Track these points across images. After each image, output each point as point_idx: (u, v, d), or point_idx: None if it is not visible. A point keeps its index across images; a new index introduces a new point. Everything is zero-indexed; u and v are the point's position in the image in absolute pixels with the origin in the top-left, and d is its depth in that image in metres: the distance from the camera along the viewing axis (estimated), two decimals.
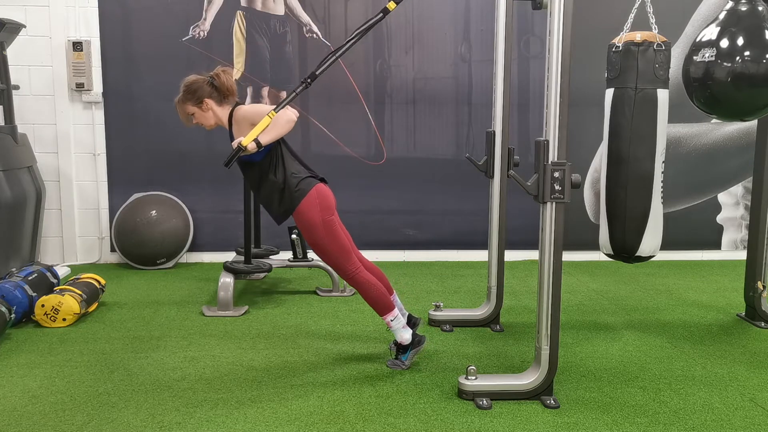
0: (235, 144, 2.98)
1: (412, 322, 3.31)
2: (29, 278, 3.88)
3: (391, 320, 3.14)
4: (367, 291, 3.13)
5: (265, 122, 2.96)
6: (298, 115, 3.07)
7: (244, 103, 3.27)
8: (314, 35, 5.20)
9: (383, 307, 3.13)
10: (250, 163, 3.09)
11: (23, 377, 3.05)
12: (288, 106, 3.00)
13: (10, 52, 4.73)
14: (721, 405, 2.81)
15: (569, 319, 3.93)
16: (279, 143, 3.12)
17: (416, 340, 3.19)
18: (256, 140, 2.95)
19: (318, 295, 4.45)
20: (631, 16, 3.28)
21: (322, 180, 3.18)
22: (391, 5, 3.10)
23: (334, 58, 3.04)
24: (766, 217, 3.83)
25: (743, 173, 5.48)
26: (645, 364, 3.25)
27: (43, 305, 3.70)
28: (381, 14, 3.12)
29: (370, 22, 3.11)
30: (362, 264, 3.21)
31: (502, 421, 2.64)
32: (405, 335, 3.16)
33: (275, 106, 2.97)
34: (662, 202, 3.34)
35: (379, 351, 3.38)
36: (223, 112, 3.18)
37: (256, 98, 5.22)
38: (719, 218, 5.60)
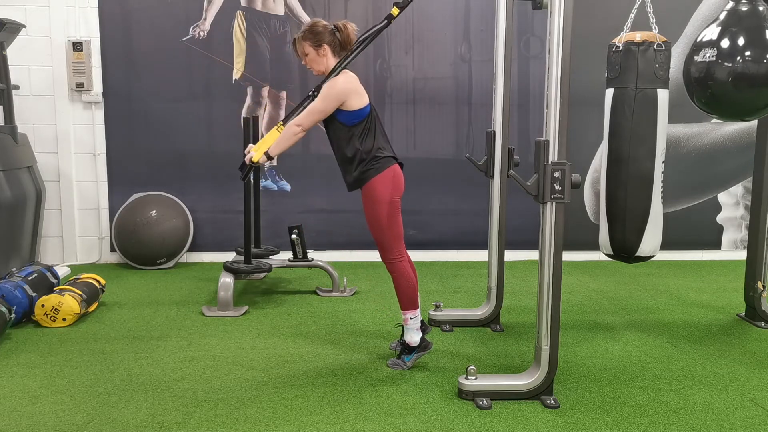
0: (247, 159, 3.19)
1: (422, 327, 3.31)
2: (29, 278, 3.88)
3: (411, 318, 3.16)
4: (402, 281, 3.14)
5: (273, 136, 3.12)
6: (300, 129, 3.10)
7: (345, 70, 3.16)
8: None
9: (409, 302, 3.16)
10: (342, 124, 3.08)
11: (23, 377, 3.05)
12: (309, 116, 3.06)
13: (10, 52, 4.73)
14: (721, 405, 2.81)
15: (569, 319, 3.93)
16: (374, 116, 3.13)
17: (423, 345, 3.20)
18: (266, 153, 3.14)
19: (318, 295, 4.45)
20: (631, 16, 3.28)
21: (401, 164, 3.19)
22: (395, 11, 3.13)
23: (341, 68, 3.08)
24: (766, 217, 3.83)
25: (743, 173, 5.48)
26: (645, 364, 3.25)
27: (43, 305, 3.70)
28: (385, 21, 3.15)
29: (375, 29, 3.15)
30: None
31: (502, 421, 2.65)
32: (415, 337, 3.18)
33: (284, 119, 3.13)
34: (662, 202, 3.33)
35: (380, 351, 3.39)
36: (333, 64, 3.16)
37: (256, 98, 5.22)
38: (719, 218, 5.60)
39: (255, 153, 3.18)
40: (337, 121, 3.08)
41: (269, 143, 3.17)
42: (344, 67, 3.10)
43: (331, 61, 3.16)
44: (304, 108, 3.14)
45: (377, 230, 3.11)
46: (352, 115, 3.05)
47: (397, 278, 3.15)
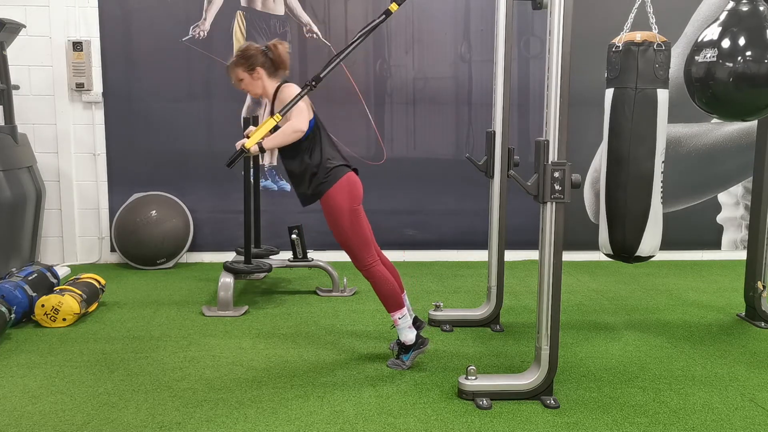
0: (238, 145, 3.05)
1: (416, 324, 3.31)
2: (29, 278, 3.88)
3: (399, 318, 3.14)
4: (381, 285, 3.13)
5: (270, 125, 3.00)
6: (305, 128, 3.05)
7: (289, 83, 3.23)
8: (314, 35, 5.20)
9: (394, 304, 3.14)
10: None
11: (23, 377, 3.05)
12: (301, 115, 3.01)
13: (10, 52, 4.73)
14: (721, 405, 2.81)
15: (569, 319, 3.93)
16: (319, 127, 3.13)
17: (419, 342, 3.19)
18: (259, 144, 3.00)
19: (318, 295, 4.45)
20: (631, 16, 3.28)
21: (354, 170, 3.19)
22: (393, 6, 3.11)
23: (338, 61, 3.06)
24: (766, 217, 3.83)
25: (743, 173, 5.48)
26: (645, 364, 3.25)
27: (43, 305, 3.70)
28: (383, 16, 3.12)
29: (373, 24, 3.12)
30: (380, 258, 3.22)
31: (502, 421, 2.64)
32: (410, 335, 3.17)
33: (281, 109, 2.99)
34: (662, 202, 3.34)
35: (379, 351, 3.38)
36: (271, 85, 3.19)
37: (256, 98, 5.21)
38: (719, 218, 5.60)
39: (249, 140, 3.06)
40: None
41: (264, 133, 3.05)
42: (341, 62, 3.07)
43: (267, 82, 3.18)
44: (295, 102, 3.08)
45: (343, 241, 3.11)
46: None
47: (375, 283, 3.14)
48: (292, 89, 3.15)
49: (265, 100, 3.35)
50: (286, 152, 3.14)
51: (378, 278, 3.13)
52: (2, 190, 4.29)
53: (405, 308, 3.18)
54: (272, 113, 3.17)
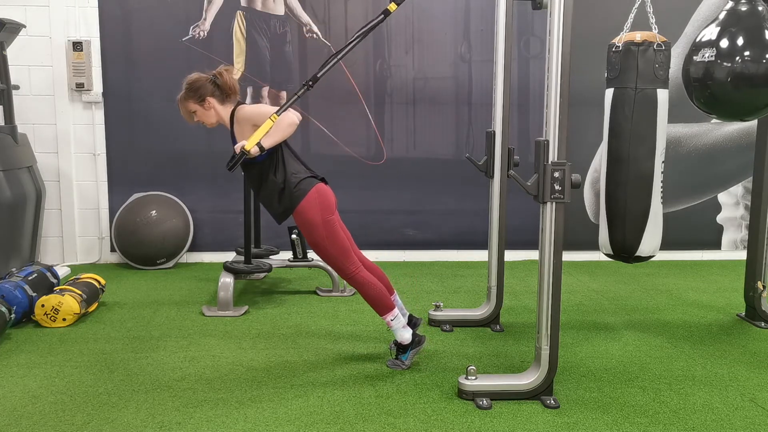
0: (237, 148, 2.99)
1: (412, 322, 3.31)
2: (29, 278, 3.88)
3: (391, 320, 3.14)
4: (367, 291, 3.13)
5: (267, 125, 2.96)
6: (300, 118, 3.08)
7: (245, 102, 3.26)
8: (314, 35, 5.20)
9: (383, 307, 3.14)
10: (252, 162, 3.09)
11: (23, 377, 3.05)
12: (290, 109, 3.00)
13: (10, 52, 4.73)
14: (721, 405, 2.81)
15: (569, 319, 3.93)
16: (280, 144, 3.12)
17: (416, 340, 3.19)
18: (258, 144, 2.96)
19: (318, 295, 4.45)
20: (631, 16, 3.28)
21: (323, 180, 3.18)
22: (392, 6, 3.10)
23: (335, 60, 3.05)
24: (766, 217, 3.83)
25: (743, 173, 5.48)
26: (645, 364, 3.25)
27: (43, 305, 3.70)
28: (382, 15, 3.12)
29: (372, 24, 3.11)
30: (362, 263, 3.21)
31: (502, 421, 2.65)
32: (405, 335, 3.16)
33: (277, 109, 2.96)
34: (662, 202, 3.34)
35: (379, 351, 3.39)
36: (225, 111, 3.18)
37: (256, 98, 5.22)
38: (719, 218, 5.60)
39: (248, 142, 2.99)
40: (246, 162, 3.04)
41: (262, 134, 2.99)
42: (338, 61, 3.06)
43: (220, 109, 3.16)
44: (294, 101, 3.06)
45: (322, 253, 3.10)
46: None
47: (361, 289, 3.13)
48: (248, 107, 3.18)
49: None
50: (252, 174, 3.14)
51: (363, 284, 3.12)
52: (2, 190, 4.29)
53: (396, 309, 3.17)
54: (233, 137, 3.16)
